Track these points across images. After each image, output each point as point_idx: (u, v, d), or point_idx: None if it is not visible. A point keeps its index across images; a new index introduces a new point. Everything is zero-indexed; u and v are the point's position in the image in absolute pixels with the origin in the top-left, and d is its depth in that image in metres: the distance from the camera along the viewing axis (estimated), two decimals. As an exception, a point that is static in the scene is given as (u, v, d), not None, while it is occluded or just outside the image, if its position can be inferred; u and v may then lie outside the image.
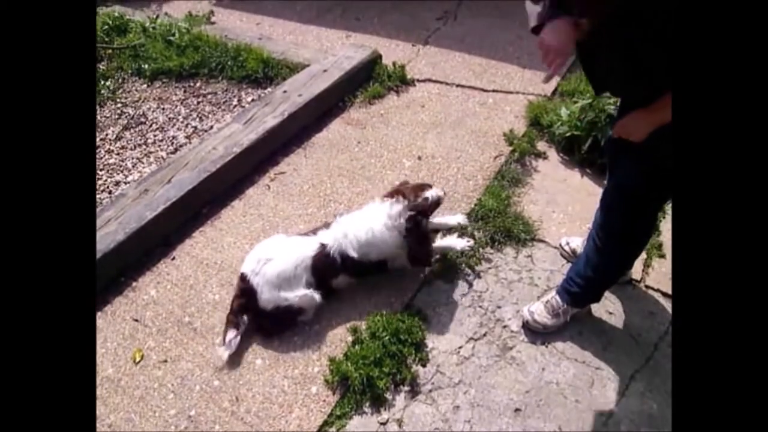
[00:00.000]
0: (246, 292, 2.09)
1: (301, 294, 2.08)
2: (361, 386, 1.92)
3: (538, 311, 2.09)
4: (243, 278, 2.12)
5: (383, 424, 1.87)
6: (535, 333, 2.09)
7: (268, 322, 2.11)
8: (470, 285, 2.29)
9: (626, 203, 1.74)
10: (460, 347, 2.07)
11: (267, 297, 2.06)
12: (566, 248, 2.37)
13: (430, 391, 1.95)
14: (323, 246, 2.12)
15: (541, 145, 2.97)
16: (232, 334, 2.06)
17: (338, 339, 2.11)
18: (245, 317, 2.11)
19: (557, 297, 2.08)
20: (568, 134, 2.84)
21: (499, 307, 2.20)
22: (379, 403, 1.92)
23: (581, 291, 2.01)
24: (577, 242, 2.33)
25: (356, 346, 2.04)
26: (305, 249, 2.12)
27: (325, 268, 2.12)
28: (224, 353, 2.03)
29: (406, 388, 1.96)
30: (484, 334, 2.11)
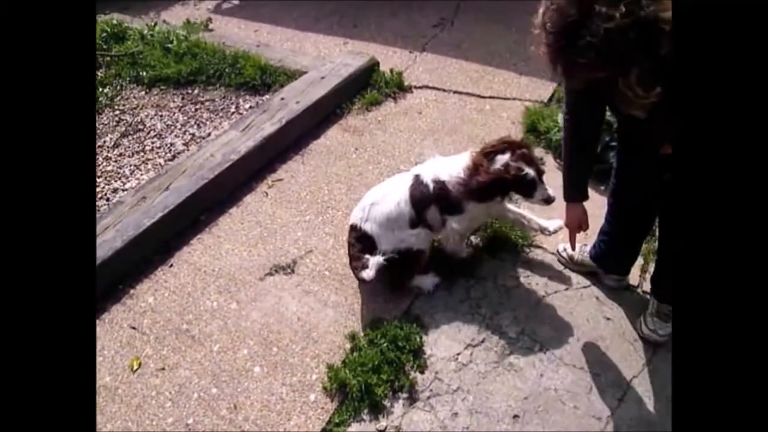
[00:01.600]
0: (361, 239, 2.13)
1: (415, 232, 2.13)
2: (360, 393, 1.92)
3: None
4: (354, 228, 2.16)
5: (382, 431, 1.87)
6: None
7: (393, 270, 2.14)
8: (468, 291, 2.29)
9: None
10: (458, 354, 2.07)
11: (385, 241, 2.11)
12: (563, 254, 2.37)
13: (429, 397, 1.95)
14: (417, 176, 2.16)
15: (538, 151, 2.97)
16: (367, 272, 2.08)
17: (336, 346, 2.11)
18: (367, 256, 2.12)
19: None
20: (564, 140, 2.84)
21: (497, 314, 2.20)
22: (377, 410, 1.92)
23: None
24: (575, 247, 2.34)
25: (354, 353, 2.04)
26: (402, 183, 2.17)
27: (421, 197, 2.13)
28: (370, 276, 2.08)
29: (405, 395, 1.96)
30: (482, 341, 2.11)
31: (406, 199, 2.12)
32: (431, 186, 2.11)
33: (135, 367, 2.09)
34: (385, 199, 2.15)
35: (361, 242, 2.14)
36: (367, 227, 2.13)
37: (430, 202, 2.14)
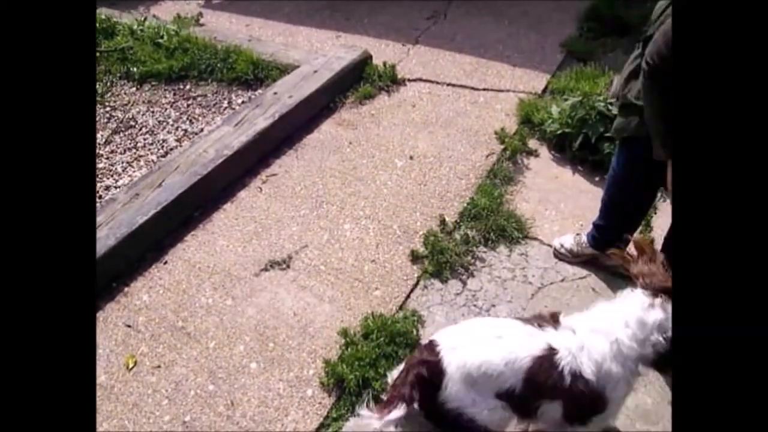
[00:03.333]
0: (432, 369, 1.50)
1: (493, 406, 1.48)
2: (357, 388, 1.91)
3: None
4: (433, 350, 1.52)
5: (380, 425, 1.87)
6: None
7: (442, 423, 1.55)
8: (464, 284, 2.29)
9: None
10: (456, 347, 2.07)
11: (453, 393, 1.47)
12: (561, 250, 2.37)
13: (426, 391, 1.95)
14: (551, 350, 1.45)
15: (533, 143, 2.97)
16: (397, 412, 1.47)
17: (333, 341, 2.11)
18: (417, 395, 1.51)
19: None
20: (559, 132, 2.85)
21: (493, 306, 2.20)
22: (375, 404, 1.91)
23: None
24: (570, 241, 2.34)
25: (351, 348, 2.03)
26: (526, 345, 1.47)
27: (544, 383, 1.45)
28: (375, 426, 1.48)
29: (402, 389, 1.95)
30: (479, 333, 2.11)
31: (520, 369, 1.44)
32: (567, 379, 1.43)
33: (131, 366, 2.08)
34: (492, 347, 1.47)
35: (429, 371, 1.49)
36: (446, 360, 1.49)
37: (555, 396, 1.47)
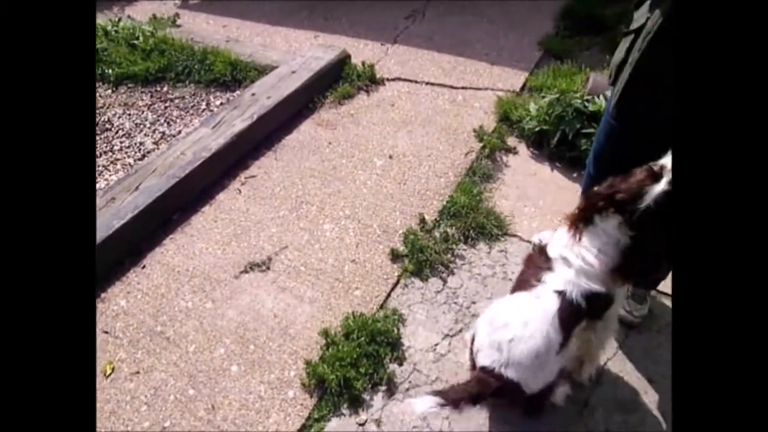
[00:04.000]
0: (503, 390, 1.60)
1: (560, 358, 1.65)
2: (338, 388, 1.91)
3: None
4: (490, 373, 1.60)
5: (362, 425, 1.87)
6: None
7: (529, 403, 1.73)
8: (444, 282, 2.30)
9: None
10: (437, 344, 2.08)
11: (534, 383, 1.62)
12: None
13: (408, 389, 1.95)
14: (562, 294, 1.61)
15: (511, 141, 3.00)
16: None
17: (314, 342, 2.10)
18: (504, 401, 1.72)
19: None
20: (537, 129, 2.87)
21: (474, 303, 2.21)
22: (357, 404, 1.91)
23: None
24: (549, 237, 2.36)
25: (332, 348, 2.03)
26: (547, 308, 1.61)
27: (572, 319, 1.64)
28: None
29: (384, 388, 1.96)
30: (460, 331, 2.12)
31: (557, 327, 1.59)
32: (583, 304, 1.60)
33: (108, 372, 2.05)
34: (528, 331, 1.60)
35: (503, 393, 1.60)
36: (511, 374, 1.58)
37: (581, 318, 1.68)
